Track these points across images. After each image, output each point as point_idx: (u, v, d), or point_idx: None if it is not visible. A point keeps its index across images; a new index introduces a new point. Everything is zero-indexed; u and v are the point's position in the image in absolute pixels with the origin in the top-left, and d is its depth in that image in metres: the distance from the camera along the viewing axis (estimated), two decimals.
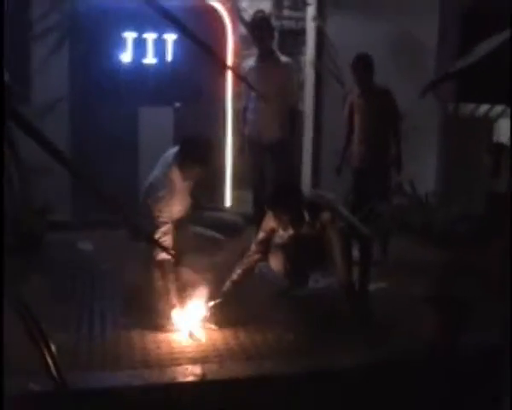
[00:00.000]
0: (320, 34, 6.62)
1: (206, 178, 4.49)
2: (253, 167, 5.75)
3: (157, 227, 4.09)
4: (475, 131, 6.44)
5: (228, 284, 4.06)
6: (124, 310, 4.18)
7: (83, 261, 5.19)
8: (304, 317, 4.19)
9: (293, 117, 5.63)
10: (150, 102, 6.35)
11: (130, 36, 6.25)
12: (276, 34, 6.61)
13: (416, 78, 5.08)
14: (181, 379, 3.30)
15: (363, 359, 3.64)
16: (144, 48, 6.31)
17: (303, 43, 6.90)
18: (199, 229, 4.45)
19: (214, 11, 6.58)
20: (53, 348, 1.61)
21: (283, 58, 5.64)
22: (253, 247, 4.20)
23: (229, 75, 6.45)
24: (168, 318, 3.84)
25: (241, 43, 6.77)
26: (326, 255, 4.08)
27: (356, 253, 4.14)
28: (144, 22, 5.97)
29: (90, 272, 4.94)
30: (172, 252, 4.05)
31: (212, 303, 3.93)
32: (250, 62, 5.63)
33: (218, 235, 4.45)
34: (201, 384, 3.30)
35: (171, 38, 6.29)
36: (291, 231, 4.15)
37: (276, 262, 4.38)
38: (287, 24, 7.18)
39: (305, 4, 6.74)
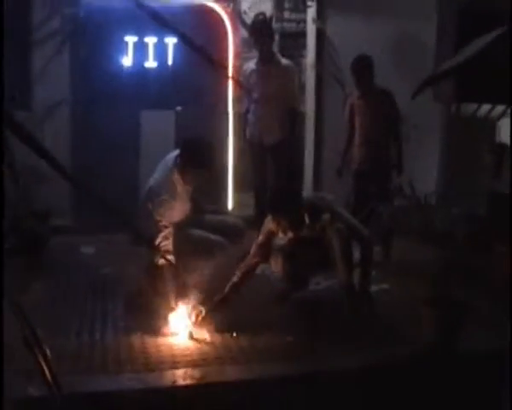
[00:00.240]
0: (320, 36, 6.63)
1: (207, 181, 4.49)
2: (255, 170, 5.76)
3: (158, 231, 4.09)
4: (477, 132, 6.44)
5: (228, 287, 4.05)
6: (125, 314, 4.18)
7: (85, 265, 5.21)
8: (305, 319, 4.18)
9: (294, 119, 5.63)
10: (151, 105, 6.37)
11: (131, 40, 6.28)
12: (277, 36, 6.62)
13: (416, 79, 5.06)
14: (181, 382, 3.30)
15: (365, 361, 3.63)
16: (145, 52, 6.34)
17: (304, 45, 6.90)
18: (200, 232, 4.45)
19: (215, 14, 6.60)
20: (48, 353, 1.62)
21: (284, 60, 5.65)
22: (254, 250, 4.20)
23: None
24: (168, 321, 3.84)
25: (242, 46, 6.78)
26: (327, 257, 4.08)
27: (356, 255, 4.14)
28: (145, 26, 5.99)
29: (91, 275, 4.95)
30: (172, 256, 4.06)
31: (210, 306, 3.93)
32: (251, 65, 5.65)
33: (219, 238, 4.45)
34: (202, 387, 3.30)
35: (171, 41, 6.32)
36: (291, 234, 4.15)
37: (276, 265, 4.38)
38: (287, 26, 7.17)
39: (305, 6, 6.75)
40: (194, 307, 3.88)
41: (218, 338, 3.82)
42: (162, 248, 4.06)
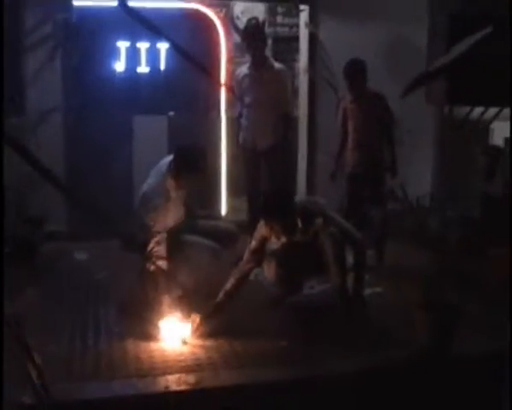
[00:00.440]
0: (313, 40, 6.64)
1: (200, 186, 4.49)
2: (248, 174, 5.74)
3: (151, 237, 4.08)
4: (470, 134, 6.45)
5: (222, 293, 4.01)
6: (118, 319, 4.17)
7: (78, 271, 5.20)
8: (299, 324, 4.17)
9: (287, 123, 5.62)
10: (144, 110, 6.37)
11: (123, 45, 6.28)
12: (270, 41, 6.64)
13: (408, 82, 5.07)
14: (175, 388, 3.29)
15: (359, 364, 3.62)
16: (137, 57, 6.34)
17: (296, 49, 6.92)
18: (193, 238, 4.44)
19: (208, 19, 6.61)
20: (38, 360, 1.61)
21: (277, 65, 5.65)
22: (247, 256, 4.17)
23: (224, 83, 6.48)
24: (161, 327, 3.82)
25: (235, 51, 6.80)
26: (320, 262, 4.07)
27: (350, 258, 4.13)
28: (137, 31, 5.99)
29: (85, 281, 4.93)
30: (165, 262, 4.04)
31: (204, 313, 3.91)
32: (244, 69, 5.64)
33: (212, 244, 4.44)
34: (195, 393, 3.28)
35: (164, 46, 6.32)
36: (284, 239, 4.14)
37: (269, 270, 4.37)
38: (280, 31, 7.20)
39: (298, 11, 6.77)
40: (187, 314, 3.86)
41: (211, 343, 3.80)
42: (155, 254, 4.05)
